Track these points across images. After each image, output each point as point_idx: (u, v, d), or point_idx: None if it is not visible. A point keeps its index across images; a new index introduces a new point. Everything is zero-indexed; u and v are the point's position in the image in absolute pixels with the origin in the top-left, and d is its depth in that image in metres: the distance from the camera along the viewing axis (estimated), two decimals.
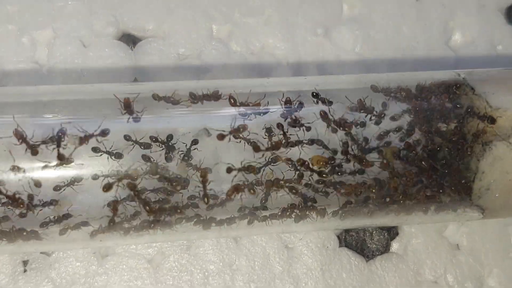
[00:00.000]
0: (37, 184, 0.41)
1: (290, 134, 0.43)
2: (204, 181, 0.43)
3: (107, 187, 0.42)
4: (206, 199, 0.43)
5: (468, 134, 0.44)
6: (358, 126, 0.44)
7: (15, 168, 0.41)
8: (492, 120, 0.43)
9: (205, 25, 0.56)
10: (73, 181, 0.41)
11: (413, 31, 0.59)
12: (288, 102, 0.44)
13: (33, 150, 0.41)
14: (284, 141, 0.43)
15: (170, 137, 0.43)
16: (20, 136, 0.41)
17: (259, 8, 0.58)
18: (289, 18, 0.57)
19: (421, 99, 0.45)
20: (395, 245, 0.54)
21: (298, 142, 0.43)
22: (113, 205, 0.42)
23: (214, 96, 0.44)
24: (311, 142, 0.44)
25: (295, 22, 0.57)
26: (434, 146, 0.44)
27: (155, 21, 0.55)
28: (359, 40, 0.58)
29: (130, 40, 0.55)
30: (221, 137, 0.43)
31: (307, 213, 0.45)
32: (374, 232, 0.54)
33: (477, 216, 0.47)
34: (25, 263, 0.49)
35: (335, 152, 0.44)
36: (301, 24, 0.57)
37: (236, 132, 0.43)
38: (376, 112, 0.44)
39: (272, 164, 0.43)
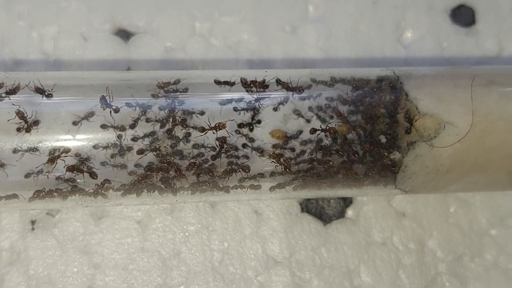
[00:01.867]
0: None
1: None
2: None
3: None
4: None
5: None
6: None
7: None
8: (408, 130, 0.52)
9: (189, 23, 0.65)
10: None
11: (369, 29, 0.68)
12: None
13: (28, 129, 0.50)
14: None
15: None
16: (21, 116, 0.50)
17: (235, 8, 0.67)
18: (262, 17, 0.67)
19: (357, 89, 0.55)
20: (349, 212, 0.63)
21: None
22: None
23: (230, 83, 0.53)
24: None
25: (266, 20, 0.67)
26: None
27: (146, 19, 0.64)
28: (322, 37, 0.67)
29: (125, 35, 0.64)
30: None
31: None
32: (331, 200, 0.63)
33: (401, 193, 0.57)
34: (33, 222, 0.58)
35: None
36: (271, 23, 0.67)
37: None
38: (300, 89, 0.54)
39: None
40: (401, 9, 0.69)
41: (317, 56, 0.66)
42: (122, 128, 0.51)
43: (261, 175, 0.53)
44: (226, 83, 0.54)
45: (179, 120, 0.50)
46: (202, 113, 0.51)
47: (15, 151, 0.49)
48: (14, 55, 0.62)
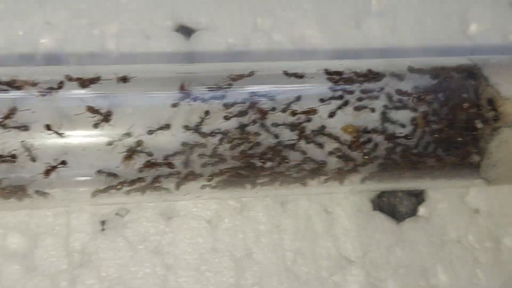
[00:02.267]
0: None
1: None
2: None
3: None
4: None
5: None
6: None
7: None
8: (496, 117, 0.51)
9: (251, 18, 0.64)
10: None
11: (433, 22, 0.66)
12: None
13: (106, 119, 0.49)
14: None
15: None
16: (93, 110, 0.49)
17: (297, 3, 0.65)
18: (324, 12, 0.65)
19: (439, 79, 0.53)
20: (422, 209, 0.61)
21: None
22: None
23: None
24: None
25: (329, 15, 0.65)
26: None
27: (207, 15, 0.63)
28: (386, 30, 0.65)
29: (186, 31, 0.63)
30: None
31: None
32: (403, 197, 0.61)
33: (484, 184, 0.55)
34: (102, 223, 0.57)
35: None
36: (334, 17, 0.65)
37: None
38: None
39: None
40: (465, 2, 0.67)
41: (382, 49, 0.65)
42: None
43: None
44: (295, 75, 0.53)
45: (265, 111, 0.49)
46: (298, 98, 0.50)
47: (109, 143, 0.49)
48: (75, 50, 0.61)
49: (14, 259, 0.55)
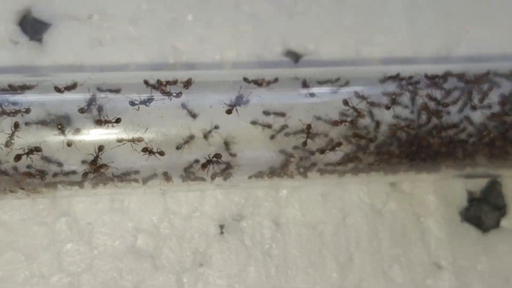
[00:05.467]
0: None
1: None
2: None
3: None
4: None
5: None
6: None
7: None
8: None
9: (352, 46, 0.71)
10: None
11: None
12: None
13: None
14: None
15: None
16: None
17: (391, 27, 0.72)
18: (418, 38, 0.71)
19: None
20: (504, 222, 0.68)
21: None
22: None
23: None
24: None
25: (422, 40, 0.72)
26: None
27: (314, 42, 0.70)
28: None
29: (294, 56, 0.70)
30: None
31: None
32: (488, 211, 0.68)
33: None
34: (221, 227, 0.64)
35: None
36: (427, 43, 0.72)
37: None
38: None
39: None
40: None
41: None
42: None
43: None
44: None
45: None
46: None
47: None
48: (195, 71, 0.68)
49: (144, 258, 0.63)
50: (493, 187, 0.68)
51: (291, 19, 0.71)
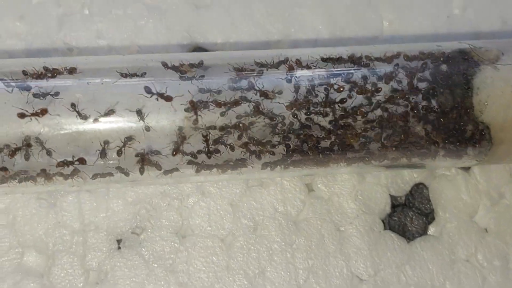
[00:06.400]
0: None
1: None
2: None
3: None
4: None
5: None
6: None
7: None
8: None
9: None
10: None
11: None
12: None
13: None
14: None
15: None
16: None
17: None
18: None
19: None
20: (432, 229, 0.62)
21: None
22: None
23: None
24: None
25: None
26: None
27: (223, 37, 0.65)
28: None
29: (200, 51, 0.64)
30: None
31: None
32: (414, 217, 0.62)
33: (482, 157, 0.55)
34: (119, 241, 0.58)
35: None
36: None
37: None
38: None
39: None
40: None
41: None
42: None
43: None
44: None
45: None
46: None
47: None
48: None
49: (31, 277, 0.56)
50: (419, 191, 0.63)
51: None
